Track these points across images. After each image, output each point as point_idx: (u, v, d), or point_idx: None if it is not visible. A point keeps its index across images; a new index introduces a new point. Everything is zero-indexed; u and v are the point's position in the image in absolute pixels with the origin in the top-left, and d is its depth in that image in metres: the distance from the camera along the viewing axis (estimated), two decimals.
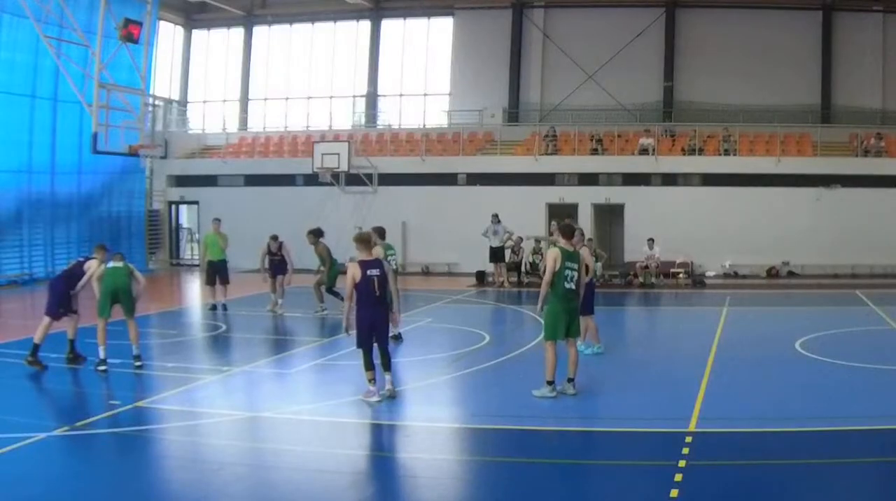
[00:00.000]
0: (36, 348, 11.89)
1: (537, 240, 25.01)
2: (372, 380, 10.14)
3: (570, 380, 10.42)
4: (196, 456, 8.48)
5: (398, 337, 14.17)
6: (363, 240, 10.45)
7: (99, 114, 21.60)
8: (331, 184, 28.41)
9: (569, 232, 10.68)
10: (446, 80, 33.82)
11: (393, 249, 14.54)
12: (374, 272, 10.05)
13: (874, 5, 29.79)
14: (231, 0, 33.98)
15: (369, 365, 10.14)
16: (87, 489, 7.29)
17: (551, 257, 10.28)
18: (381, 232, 14.34)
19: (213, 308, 18.32)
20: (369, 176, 28.62)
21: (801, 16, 30.51)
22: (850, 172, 26.43)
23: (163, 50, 32.61)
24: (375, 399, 10.09)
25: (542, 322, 10.48)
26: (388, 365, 10.39)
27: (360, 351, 10.19)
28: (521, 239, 25.16)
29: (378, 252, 12.09)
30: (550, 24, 32.62)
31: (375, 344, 10.25)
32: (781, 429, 8.82)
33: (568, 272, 10.27)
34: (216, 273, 18.51)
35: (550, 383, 10.21)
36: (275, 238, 18.45)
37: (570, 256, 10.38)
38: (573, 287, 10.37)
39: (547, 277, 10.26)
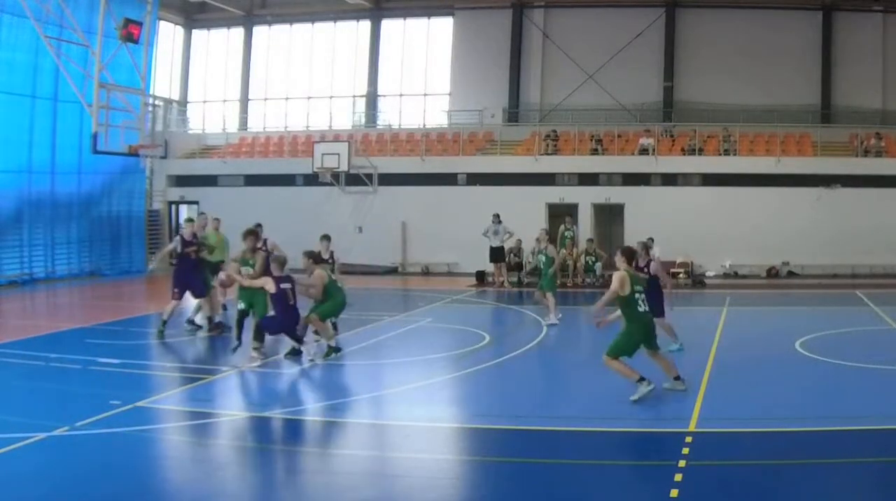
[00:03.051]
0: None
1: (539, 241, 24.88)
2: (259, 349, 12.33)
3: (678, 378, 10.54)
4: (196, 456, 8.50)
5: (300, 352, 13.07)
6: (281, 262, 12.52)
7: (99, 114, 21.62)
8: (331, 184, 28.41)
9: (630, 256, 10.66)
10: (446, 80, 33.80)
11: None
12: (286, 285, 12.32)
13: (874, 5, 29.80)
14: (231, 0, 34.00)
15: (261, 338, 12.46)
16: (86, 489, 7.28)
17: (618, 279, 10.15)
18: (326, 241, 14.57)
19: None
20: (369, 176, 28.61)
21: (801, 16, 30.50)
22: (850, 172, 26.40)
23: (163, 50, 32.57)
24: (257, 363, 12.14)
25: (616, 337, 10.39)
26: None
27: (257, 330, 12.42)
28: (519, 240, 25.06)
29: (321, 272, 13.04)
30: (550, 24, 32.62)
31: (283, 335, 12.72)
32: (781, 429, 8.82)
33: (637, 296, 10.25)
34: (215, 273, 18.43)
35: (642, 379, 10.11)
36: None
37: (636, 280, 10.38)
38: (647, 308, 10.38)
39: (607, 297, 10.27)
